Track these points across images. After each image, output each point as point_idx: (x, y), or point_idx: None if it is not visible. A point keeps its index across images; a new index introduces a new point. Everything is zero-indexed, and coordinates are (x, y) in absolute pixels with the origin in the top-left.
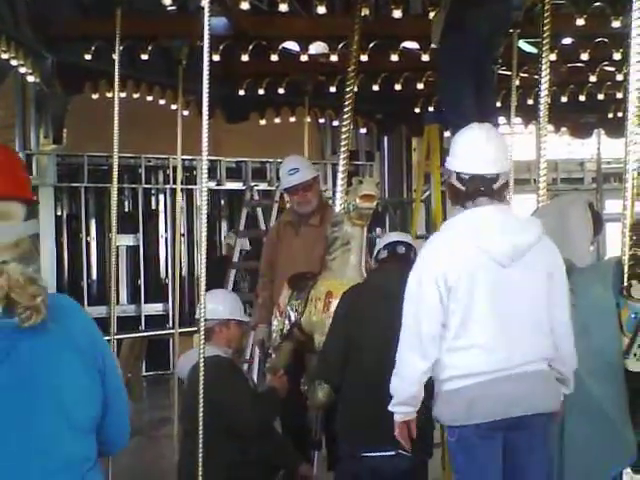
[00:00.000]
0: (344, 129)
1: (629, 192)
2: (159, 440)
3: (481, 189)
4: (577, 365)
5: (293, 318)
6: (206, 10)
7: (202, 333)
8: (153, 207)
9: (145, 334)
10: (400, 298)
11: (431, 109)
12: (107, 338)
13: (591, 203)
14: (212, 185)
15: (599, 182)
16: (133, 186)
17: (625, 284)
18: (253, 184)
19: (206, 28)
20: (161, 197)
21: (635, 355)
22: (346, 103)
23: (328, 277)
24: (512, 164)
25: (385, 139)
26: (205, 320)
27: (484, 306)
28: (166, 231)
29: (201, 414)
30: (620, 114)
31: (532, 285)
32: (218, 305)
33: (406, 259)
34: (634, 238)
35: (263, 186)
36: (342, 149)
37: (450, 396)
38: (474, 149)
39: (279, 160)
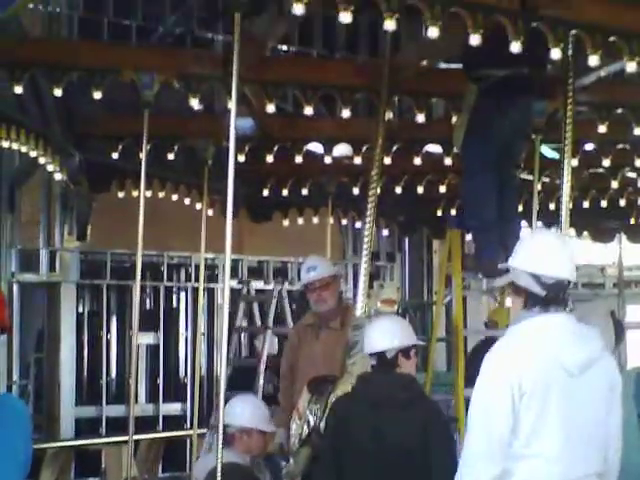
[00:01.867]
0: (367, 231)
1: None
2: None
3: (560, 295)
4: None
5: (312, 423)
6: (232, 111)
7: (220, 437)
8: (174, 305)
9: (163, 435)
10: (391, 407)
11: (453, 212)
12: (125, 439)
13: (613, 311)
14: (234, 284)
15: (621, 288)
16: (155, 284)
17: None
18: (249, 280)
19: (232, 129)
20: (182, 295)
21: None
22: (369, 205)
23: (348, 382)
24: None
25: (406, 240)
26: (226, 425)
27: (555, 416)
28: (186, 330)
29: None
30: None
31: (596, 398)
32: (241, 411)
33: (393, 363)
34: None
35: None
36: (364, 251)
37: None
38: (557, 253)
39: (300, 260)
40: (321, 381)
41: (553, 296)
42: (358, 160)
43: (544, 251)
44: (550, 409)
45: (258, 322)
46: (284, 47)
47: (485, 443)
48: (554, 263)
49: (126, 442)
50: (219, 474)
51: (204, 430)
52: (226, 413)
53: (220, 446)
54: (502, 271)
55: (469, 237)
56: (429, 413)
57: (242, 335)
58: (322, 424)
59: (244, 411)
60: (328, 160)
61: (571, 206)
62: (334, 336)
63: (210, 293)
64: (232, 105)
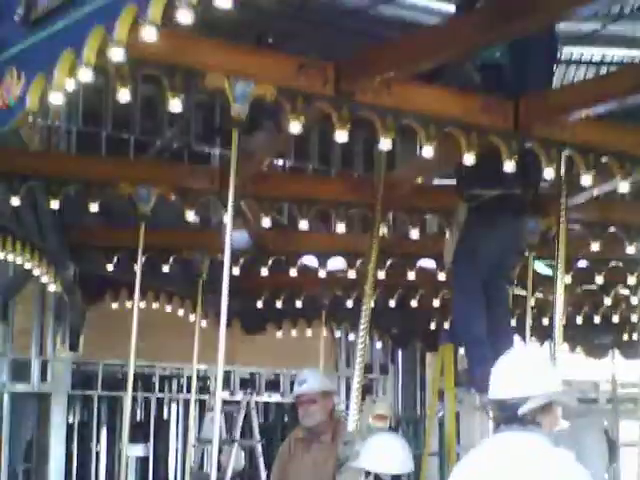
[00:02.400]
0: (360, 344)
1: None
2: None
3: (503, 414)
4: None
5: None
6: (228, 225)
7: None
8: (165, 416)
9: None
10: None
11: (446, 326)
12: None
13: (607, 430)
14: (225, 395)
15: (615, 404)
16: (146, 395)
17: None
18: (250, 392)
19: (227, 242)
20: (174, 406)
21: None
22: (363, 318)
23: None
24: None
25: (400, 353)
26: None
27: None
28: (177, 441)
29: None
30: (635, 336)
31: None
32: None
33: None
34: None
35: (276, 397)
36: (357, 365)
37: None
38: (497, 373)
39: (293, 372)
40: None
41: (498, 415)
42: (352, 274)
43: (493, 374)
44: None
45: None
46: (280, 162)
47: None
48: (493, 384)
49: None
50: None
51: None
52: None
53: None
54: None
55: (462, 351)
56: None
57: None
58: None
59: None
60: (322, 273)
61: (565, 322)
62: (325, 450)
63: (202, 405)
64: (228, 219)
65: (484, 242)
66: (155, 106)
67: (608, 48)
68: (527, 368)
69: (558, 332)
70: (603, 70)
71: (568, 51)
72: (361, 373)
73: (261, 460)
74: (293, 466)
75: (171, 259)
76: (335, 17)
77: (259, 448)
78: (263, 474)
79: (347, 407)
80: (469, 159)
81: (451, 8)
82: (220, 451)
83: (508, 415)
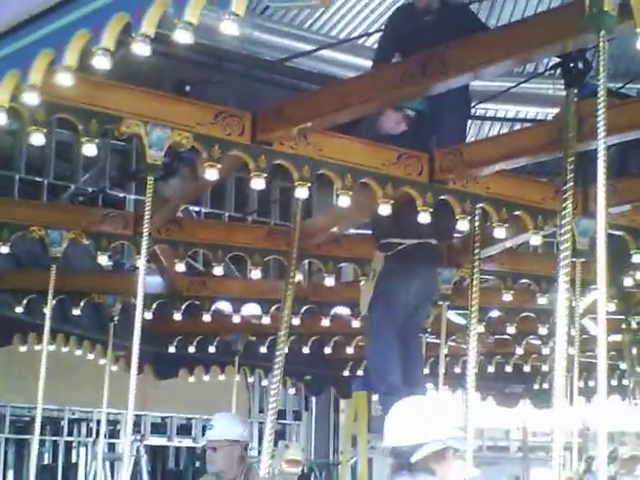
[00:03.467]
0: (273, 390)
1: (555, 470)
2: None
3: (399, 462)
4: None
5: None
6: (141, 269)
7: None
8: (73, 460)
9: None
10: None
11: (360, 373)
12: None
13: (517, 478)
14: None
15: (525, 452)
16: (55, 438)
17: None
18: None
19: (140, 287)
20: (82, 450)
21: None
22: (276, 364)
23: None
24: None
25: (313, 399)
26: None
27: None
28: None
29: None
30: (545, 385)
31: None
32: None
33: None
34: None
35: (187, 442)
36: (270, 410)
37: None
38: (390, 421)
39: (205, 417)
40: None
41: (393, 463)
42: (267, 320)
43: (387, 422)
44: None
45: None
46: (196, 208)
47: None
48: (387, 432)
49: None
50: None
51: None
52: None
53: None
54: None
55: (375, 398)
56: None
57: None
58: None
59: None
60: (236, 319)
61: (477, 370)
62: None
63: (111, 448)
64: (141, 263)
65: (400, 291)
66: (70, 150)
67: (522, 105)
68: (420, 415)
69: (470, 380)
70: (517, 126)
71: (483, 108)
72: (274, 419)
73: None
74: None
75: (82, 302)
76: (254, 68)
77: None
78: None
79: (259, 452)
80: (385, 209)
81: (368, 64)
82: None
83: (401, 462)
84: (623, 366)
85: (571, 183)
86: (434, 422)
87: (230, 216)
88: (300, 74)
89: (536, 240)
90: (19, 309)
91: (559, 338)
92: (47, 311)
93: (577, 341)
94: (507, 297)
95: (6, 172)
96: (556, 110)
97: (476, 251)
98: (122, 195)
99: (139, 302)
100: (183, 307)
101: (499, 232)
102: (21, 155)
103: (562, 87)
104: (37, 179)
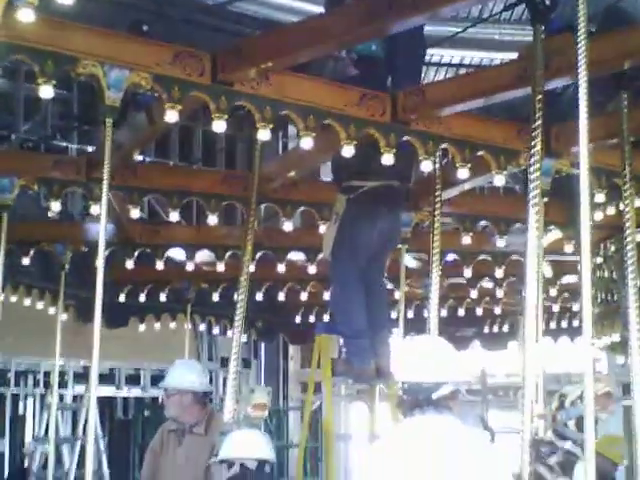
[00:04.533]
0: (236, 335)
1: (526, 408)
2: None
3: (419, 398)
4: None
5: None
6: (103, 217)
7: None
8: (20, 412)
9: None
10: None
11: (312, 319)
12: None
13: (482, 417)
14: (81, 390)
15: (485, 394)
16: (1, 390)
17: None
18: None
19: (102, 234)
20: (30, 402)
21: None
22: (238, 311)
23: None
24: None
25: (262, 347)
26: None
27: None
28: (33, 437)
29: None
30: (496, 328)
31: None
32: None
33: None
34: (533, 454)
35: (136, 392)
36: (233, 355)
37: None
38: (412, 358)
39: (153, 367)
40: None
41: (412, 399)
42: (221, 267)
43: (404, 357)
44: None
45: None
46: (140, 157)
47: None
48: (410, 368)
49: None
50: None
51: None
52: None
53: None
54: (373, 376)
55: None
56: None
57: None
58: None
59: None
60: (189, 266)
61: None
62: (198, 441)
63: (60, 399)
64: (102, 210)
65: (363, 234)
66: (11, 100)
67: (467, 50)
68: (441, 355)
69: (433, 324)
70: (462, 72)
71: (429, 53)
72: (236, 364)
73: (104, 457)
74: (165, 459)
75: (31, 251)
76: (195, 14)
77: (102, 444)
78: (106, 471)
79: (210, 400)
80: (348, 151)
81: (314, 9)
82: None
83: (419, 398)
84: (575, 308)
85: (539, 121)
86: (452, 363)
87: (175, 165)
88: (244, 20)
89: (499, 180)
90: None
91: (529, 278)
92: None
93: (540, 282)
94: (466, 240)
95: None
96: (502, 55)
97: (437, 193)
98: (65, 144)
99: (100, 250)
100: (136, 255)
101: (462, 173)
102: None
103: (508, 32)
104: None
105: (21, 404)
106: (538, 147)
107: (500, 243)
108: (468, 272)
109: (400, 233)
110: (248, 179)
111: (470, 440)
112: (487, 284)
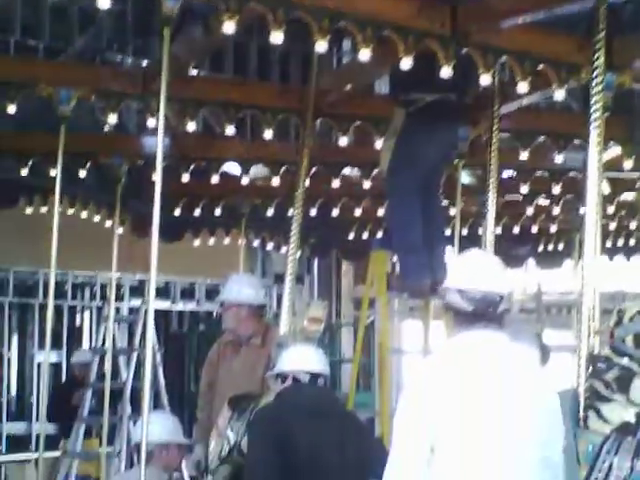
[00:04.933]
0: (291, 250)
1: (584, 324)
2: None
3: (489, 310)
4: None
5: (232, 440)
6: (160, 130)
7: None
8: (77, 324)
9: None
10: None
11: (365, 236)
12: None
13: (539, 334)
14: (137, 304)
15: (540, 312)
16: (59, 302)
17: (582, 415)
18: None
19: (159, 148)
20: (86, 314)
21: None
22: (293, 227)
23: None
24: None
25: (315, 263)
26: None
27: (477, 440)
28: (90, 349)
29: None
30: (551, 247)
31: (530, 421)
32: (159, 427)
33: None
34: (590, 369)
35: (191, 306)
36: (289, 269)
37: None
38: (483, 268)
39: (208, 281)
40: (243, 398)
41: (480, 311)
42: (276, 182)
43: (469, 267)
44: (473, 436)
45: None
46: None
47: (403, 468)
48: (479, 277)
49: (29, 460)
50: None
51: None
52: (141, 431)
53: (143, 463)
54: (428, 292)
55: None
56: (360, 425)
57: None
58: (244, 441)
59: (162, 427)
60: (244, 181)
61: (491, 233)
62: (255, 353)
63: (115, 312)
64: (160, 123)
65: (421, 148)
66: (65, 13)
67: None
68: (499, 268)
69: (489, 242)
70: None
71: None
72: (292, 278)
73: (160, 369)
74: (222, 370)
75: (88, 164)
76: None
77: (158, 357)
78: (162, 383)
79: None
80: (406, 63)
81: None
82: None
83: (489, 311)
84: (632, 226)
85: (602, 34)
86: (506, 277)
87: (230, 78)
88: None
89: (560, 95)
90: (24, 171)
91: (589, 195)
92: (57, 173)
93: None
94: (524, 155)
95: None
96: None
97: (496, 108)
98: (120, 57)
99: (158, 163)
100: (191, 168)
101: (522, 87)
102: (16, 17)
103: None
104: (32, 42)
105: (78, 316)
106: (601, 60)
107: (559, 159)
108: (525, 189)
109: (457, 148)
110: (304, 93)
111: (525, 358)
112: (543, 202)
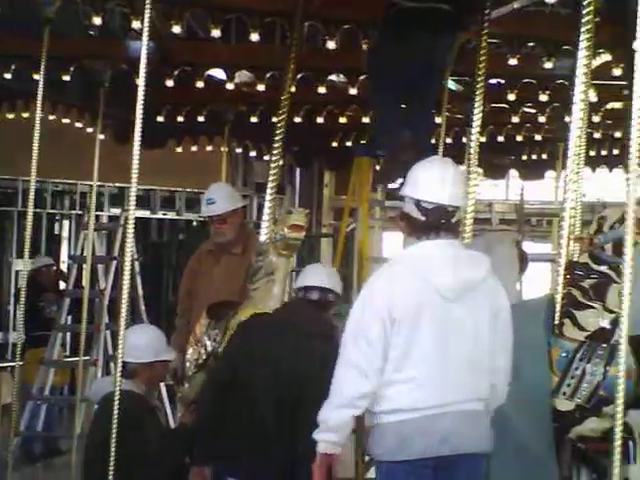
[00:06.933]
0: (274, 157)
1: (565, 232)
2: None
3: (441, 221)
4: (505, 401)
5: (210, 348)
6: (145, 33)
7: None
8: (56, 232)
9: None
10: (306, 336)
11: (349, 144)
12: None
13: (518, 241)
14: (116, 212)
15: (520, 223)
16: (37, 210)
17: (557, 322)
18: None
19: (144, 52)
20: (65, 223)
21: (564, 394)
22: (277, 133)
23: (249, 307)
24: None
25: (297, 173)
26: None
27: (426, 341)
28: (68, 257)
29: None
30: (534, 156)
31: (476, 324)
32: (144, 345)
33: (317, 304)
34: (568, 277)
35: (171, 215)
36: (271, 177)
37: (383, 430)
38: (439, 179)
39: (188, 190)
40: (221, 306)
41: (433, 222)
42: (261, 87)
43: (424, 177)
44: (421, 334)
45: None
46: None
47: (355, 370)
48: (433, 188)
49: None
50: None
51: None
52: (127, 347)
53: (119, 374)
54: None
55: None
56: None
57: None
58: (220, 349)
59: (147, 345)
60: (229, 86)
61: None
62: (235, 261)
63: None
64: (145, 25)
65: (397, 56)
66: None
67: None
68: (461, 179)
69: (474, 151)
70: None
71: None
72: (274, 185)
73: (139, 278)
74: (203, 278)
75: (72, 68)
76: None
77: (136, 266)
78: (140, 292)
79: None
80: None
81: None
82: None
83: (442, 222)
84: (617, 134)
85: None
86: (464, 188)
87: None
88: None
89: None
90: (7, 75)
91: (576, 101)
92: (40, 77)
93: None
94: (512, 62)
95: None
96: None
97: (486, 12)
98: None
99: (142, 67)
100: (175, 74)
101: None
102: None
103: None
104: None
105: (57, 224)
106: None
107: (548, 65)
108: (512, 96)
109: (440, 57)
110: None
111: (480, 264)
112: (529, 110)
